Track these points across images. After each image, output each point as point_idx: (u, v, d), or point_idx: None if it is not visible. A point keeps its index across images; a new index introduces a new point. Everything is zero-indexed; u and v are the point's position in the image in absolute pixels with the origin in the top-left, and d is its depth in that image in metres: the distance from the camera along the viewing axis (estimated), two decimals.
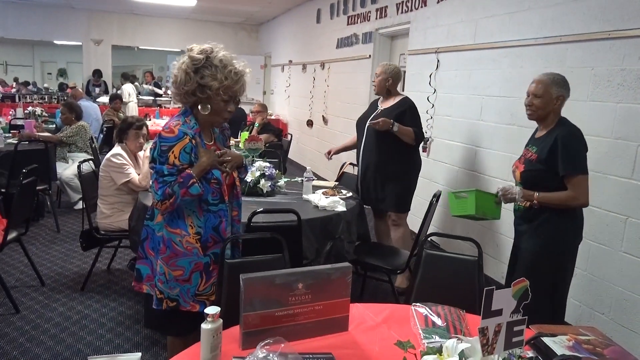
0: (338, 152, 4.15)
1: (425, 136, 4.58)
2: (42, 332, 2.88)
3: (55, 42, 12.31)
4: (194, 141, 1.87)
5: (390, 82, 3.64)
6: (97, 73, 10.67)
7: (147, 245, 2.02)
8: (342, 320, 1.54)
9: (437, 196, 3.08)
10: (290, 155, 8.60)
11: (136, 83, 11.12)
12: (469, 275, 2.12)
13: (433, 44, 4.55)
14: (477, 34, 3.96)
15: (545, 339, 1.39)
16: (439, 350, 1.12)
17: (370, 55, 5.90)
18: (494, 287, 1.01)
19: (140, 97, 10.85)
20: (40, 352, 2.67)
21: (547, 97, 2.33)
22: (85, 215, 3.42)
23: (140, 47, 12.55)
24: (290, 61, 9.24)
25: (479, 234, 3.84)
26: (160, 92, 11.67)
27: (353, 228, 3.12)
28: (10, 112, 6.90)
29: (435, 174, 4.56)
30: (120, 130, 3.49)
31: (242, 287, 1.37)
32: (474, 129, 4.00)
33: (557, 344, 1.36)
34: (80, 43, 11.29)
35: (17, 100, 9.23)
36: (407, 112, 3.53)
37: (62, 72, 16.07)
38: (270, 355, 1.04)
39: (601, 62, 2.85)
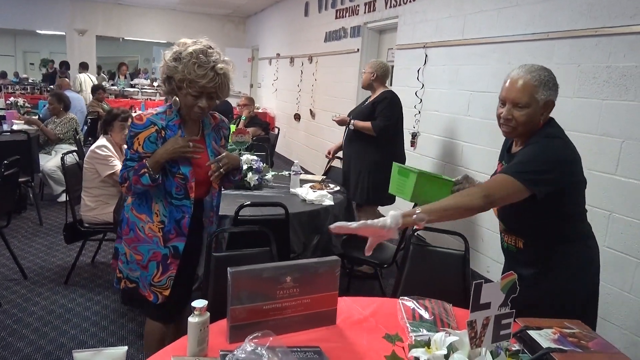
0: (337, 150, 4.14)
1: (413, 131, 4.62)
2: (25, 326, 2.84)
3: (38, 31, 12.07)
4: (163, 132, 1.87)
5: (374, 76, 3.77)
6: (83, 65, 10.38)
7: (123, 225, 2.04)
8: (330, 314, 1.54)
9: None
10: (277, 149, 8.55)
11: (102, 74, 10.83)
12: (456, 269, 2.13)
13: (421, 38, 4.55)
14: (466, 30, 3.96)
15: (531, 332, 1.40)
16: (427, 344, 1.12)
17: (358, 50, 5.88)
18: (483, 280, 1.02)
19: (115, 87, 10.59)
20: (22, 347, 2.63)
21: (534, 107, 1.63)
22: (68, 207, 3.37)
23: (126, 38, 12.37)
24: (278, 54, 9.19)
25: (465, 228, 3.86)
26: (135, 83, 11.35)
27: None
28: None
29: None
30: (105, 121, 3.43)
31: (230, 281, 1.36)
32: (460, 124, 4.02)
33: (543, 337, 1.37)
34: (64, 33, 11.08)
35: None
36: (379, 105, 3.66)
37: (45, 63, 15.76)
38: (259, 348, 1.03)
39: (587, 58, 2.88)
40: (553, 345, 1.32)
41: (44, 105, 6.44)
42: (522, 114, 1.63)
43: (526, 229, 1.70)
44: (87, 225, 3.33)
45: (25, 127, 5.29)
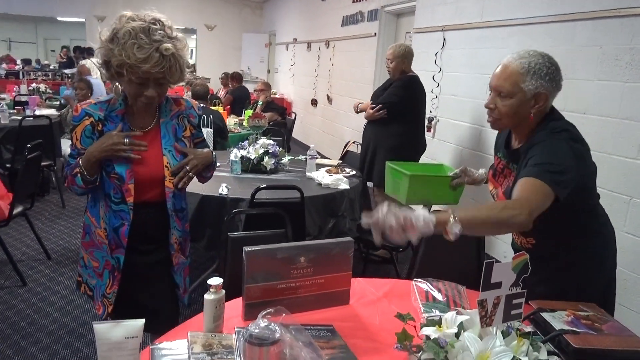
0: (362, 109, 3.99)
1: (430, 115, 4.58)
2: (49, 304, 2.93)
3: (58, 18, 12.21)
4: (99, 125, 1.60)
5: (405, 63, 3.75)
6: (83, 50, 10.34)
7: None
8: (343, 294, 1.56)
9: None
10: (294, 135, 8.57)
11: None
12: (471, 253, 2.13)
13: (440, 21, 4.49)
14: (485, 12, 3.89)
15: (545, 314, 1.40)
16: (438, 323, 1.13)
17: (375, 34, 5.83)
18: (494, 259, 1.02)
19: None
20: (47, 323, 2.72)
21: (520, 98, 1.48)
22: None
23: None
24: (295, 39, 9.15)
25: None
26: None
27: (356, 206, 3.13)
28: (15, 89, 6.90)
29: (439, 154, 4.54)
30: None
31: (245, 260, 1.38)
32: (479, 108, 3.97)
33: (556, 319, 1.37)
34: (83, 19, 11.19)
35: (21, 77, 9.20)
36: (393, 85, 3.70)
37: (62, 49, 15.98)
38: (272, 324, 1.05)
39: (610, 40, 2.81)
40: (566, 327, 1.32)
41: (63, 92, 6.56)
42: (505, 105, 1.50)
43: (536, 230, 1.43)
44: None
45: (47, 112, 5.38)
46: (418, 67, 4.83)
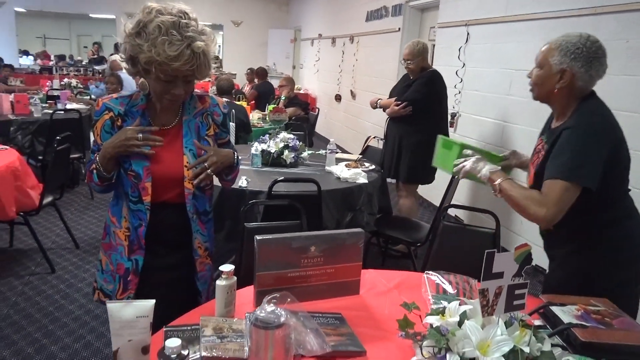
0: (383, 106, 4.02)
1: (452, 111, 4.55)
2: (76, 290, 3.05)
3: (91, 15, 12.53)
4: (119, 120, 1.56)
5: (424, 60, 3.74)
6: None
7: None
8: (353, 284, 1.58)
9: None
10: (318, 130, 8.60)
11: None
12: (486, 248, 2.12)
13: (463, 16, 4.45)
14: (509, 6, 3.84)
15: (554, 308, 1.39)
16: (442, 312, 1.14)
17: (399, 29, 5.80)
18: (495, 250, 1.03)
19: None
20: (74, 309, 2.83)
21: (547, 71, 1.62)
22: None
23: None
24: (320, 35, 9.17)
25: (503, 209, 3.80)
26: None
27: (374, 200, 3.14)
28: (47, 84, 7.14)
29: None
30: None
31: (256, 248, 1.42)
32: (502, 104, 3.93)
33: (566, 313, 1.37)
34: (114, 16, 11.46)
35: (54, 72, 9.50)
36: (416, 82, 3.68)
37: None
38: (278, 310, 1.09)
39: (637, 34, 2.74)
40: (574, 321, 1.31)
41: (97, 86, 6.76)
42: (536, 75, 1.66)
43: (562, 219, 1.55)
44: None
45: (77, 106, 5.55)
46: (441, 62, 4.82)
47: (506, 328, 1.07)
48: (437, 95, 3.68)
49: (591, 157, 1.51)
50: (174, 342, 0.97)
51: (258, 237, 1.43)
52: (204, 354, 1.16)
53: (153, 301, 1.01)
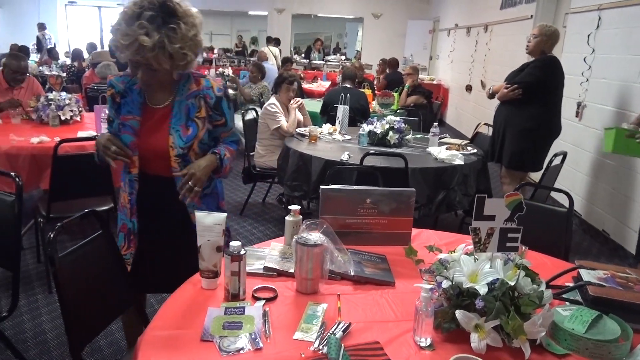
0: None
1: (578, 100, 4.34)
2: None
3: (249, 12, 13.92)
4: (118, 97, 1.71)
5: (548, 43, 3.64)
6: (269, 40, 11.50)
7: None
8: (404, 236, 1.82)
9: (563, 155, 3.05)
10: (448, 121, 8.61)
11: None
12: (558, 226, 2.17)
13: (596, 0, 4.20)
14: None
15: (582, 271, 1.50)
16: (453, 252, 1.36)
17: (532, 16, 5.60)
18: (486, 195, 1.22)
19: (313, 62, 11.85)
20: None
21: None
22: (245, 155, 4.16)
23: (318, 15, 13.47)
24: (456, 25, 9.09)
25: (621, 205, 3.60)
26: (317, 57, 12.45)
27: (471, 182, 3.25)
28: (206, 73, 8.27)
29: (585, 140, 4.29)
30: (275, 83, 4.11)
31: (321, 196, 1.76)
32: (630, 93, 3.68)
33: (591, 274, 1.47)
34: (266, 12, 12.60)
35: (213, 63, 10.88)
36: (531, 65, 3.65)
37: (254, 40, 18.06)
38: (317, 234, 1.41)
39: None
40: (595, 281, 1.41)
41: (244, 75, 7.67)
42: None
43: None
44: (258, 169, 4.08)
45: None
46: (570, 49, 4.61)
47: (503, 266, 1.25)
48: (551, 82, 3.57)
49: None
50: (236, 243, 1.35)
51: (322, 187, 1.76)
52: (266, 264, 1.54)
53: (225, 214, 1.40)
